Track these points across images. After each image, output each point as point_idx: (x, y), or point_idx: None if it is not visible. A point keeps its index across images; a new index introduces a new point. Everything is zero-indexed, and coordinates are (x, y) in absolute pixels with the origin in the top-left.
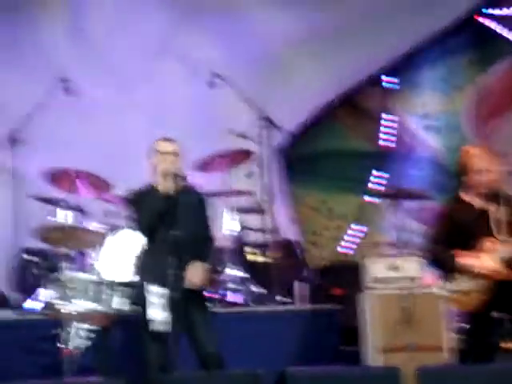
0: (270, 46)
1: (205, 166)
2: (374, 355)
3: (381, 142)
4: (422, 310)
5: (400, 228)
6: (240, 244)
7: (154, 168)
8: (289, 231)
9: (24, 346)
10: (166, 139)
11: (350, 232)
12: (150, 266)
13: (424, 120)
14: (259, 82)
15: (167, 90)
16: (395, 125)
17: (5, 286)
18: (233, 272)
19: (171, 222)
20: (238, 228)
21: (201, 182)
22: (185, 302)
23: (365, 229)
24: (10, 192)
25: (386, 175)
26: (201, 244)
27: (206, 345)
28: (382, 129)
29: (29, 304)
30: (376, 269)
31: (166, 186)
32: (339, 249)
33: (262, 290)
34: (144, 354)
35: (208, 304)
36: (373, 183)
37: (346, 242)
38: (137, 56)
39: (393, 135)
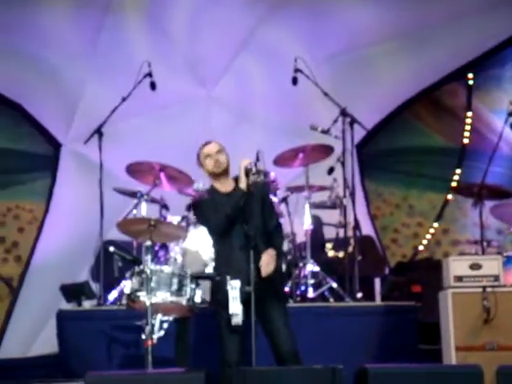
0: (351, 42)
1: (285, 161)
2: (454, 353)
3: (463, 140)
4: (503, 308)
5: (482, 226)
6: (320, 240)
7: (208, 172)
8: (369, 227)
9: (107, 336)
10: (208, 142)
11: (430, 230)
12: (227, 262)
13: (507, 117)
14: (340, 79)
15: (250, 86)
16: (478, 122)
17: (90, 278)
18: (313, 268)
19: (242, 217)
20: (319, 224)
21: (282, 177)
22: (264, 297)
23: (446, 226)
24: (96, 185)
25: (468, 172)
26: (271, 232)
27: (283, 340)
28: (464, 126)
29: (113, 295)
30: (458, 267)
31: (246, 181)
32: (420, 246)
33: (342, 287)
34: (222, 347)
35: (286, 299)
36: (454, 180)
37: (427, 239)
38: (219, 51)
39: (475, 132)
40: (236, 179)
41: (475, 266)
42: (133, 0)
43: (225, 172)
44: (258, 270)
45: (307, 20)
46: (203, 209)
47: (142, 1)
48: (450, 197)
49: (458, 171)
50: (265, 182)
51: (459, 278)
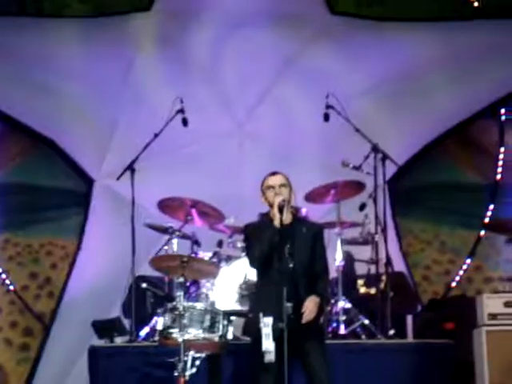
0: (384, 76)
1: (317, 197)
2: None
3: (496, 176)
4: None
5: None
6: (352, 276)
7: (267, 203)
8: (400, 264)
9: (140, 373)
10: (274, 173)
11: (463, 266)
12: (264, 298)
13: None
14: (370, 115)
15: (282, 120)
16: (511, 158)
17: (122, 314)
18: (345, 304)
19: (285, 253)
20: (350, 260)
21: (313, 213)
22: (301, 334)
23: (479, 263)
24: (129, 221)
25: (501, 209)
26: (317, 276)
27: (320, 377)
28: (497, 162)
29: (145, 331)
30: (492, 304)
31: (279, 218)
32: (452, 283)
33: (374, 324)
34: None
35: (323, 336)
36: (487, 217)
37: (459, 276)
38: (251, 85)
39: (508, 168)
40: (296, 218)
41: (510, 304)
42: (162, 37)
43: (286, 207)
44: (295, 307)
45: (343, 52)
46: (250, 236)
47: (170, 38)
48: (482, 233)
49: (491, 207)
50: (321, 225)
51: (493, 316)
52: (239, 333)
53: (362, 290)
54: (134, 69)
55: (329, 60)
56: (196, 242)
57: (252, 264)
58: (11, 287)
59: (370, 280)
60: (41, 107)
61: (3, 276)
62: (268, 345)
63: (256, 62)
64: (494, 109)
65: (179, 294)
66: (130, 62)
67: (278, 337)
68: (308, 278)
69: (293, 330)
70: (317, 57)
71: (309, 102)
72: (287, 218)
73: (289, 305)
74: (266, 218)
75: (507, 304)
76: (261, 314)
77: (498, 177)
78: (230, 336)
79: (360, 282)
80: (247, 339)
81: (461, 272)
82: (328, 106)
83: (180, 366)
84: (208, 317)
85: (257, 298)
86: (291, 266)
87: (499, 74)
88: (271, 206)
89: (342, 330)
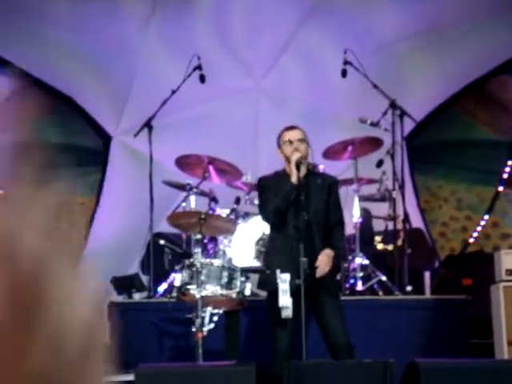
0: (400, 33)
1: (334, 153)
2: (506, 348)
3: None
4: None
5: None
6: (369, 233)
7: (284, 157)
8: (418, 220)
9: (157, 329)
10: (293, 127)
11: (481, 223)
12: (280, 253)
13: None
14: (389, 70)
15: (299, 79)
16: None
17: (140, 270)
18: (362, 261)
19: (302, 207)
20: (368, 216)
21: (331, 170)
22: (316, 289)
23: (496, 220)
24: (146, 178)
25: None
26: (332, 228)
27: (336, 333)
28: None
29: (163, 288)
30: (510, 260)
31: (297, 174)
32: (469, 240)
33: (392, 280)
34: (272, 340)
35: (339, 293)
36: (506, 172)
37: (477, 232)
38: (269, 43)
39: None
40: (310, 170)
41: None
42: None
43: (303, 162)
44: (311, 262)
45: (356, 9)
46: (265, 191)
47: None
48: (500, 189)
49: (510, 163)
50: (335, 177)
51: (511, 272)
52: (256, 289)
53: (380, 246)
54: (152, 24)
55: (348, 13)
56: (213, 199)
57: (266, 219)
58: None
59: (388, 236)
60: (58, 65)
61: None
62: (285, 300)
63: (272, 24)
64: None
65: (197, 250)
66: (147, 17)
67: (294, 293)
68: (324, 232)
69: (309, 285)
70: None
71: (324, 62)
72: (302, 172)
73: (305, 260)
74: (281, 171)
75: None
76: (278, 271)
77: None
78: (247, 292)
79: (377, 238)
80: (263, 294)
81: (478, 228)
82: (346, 62)
83: (198, 321)
84: (225, 273)
85: (272, 253)
86: (306, 218)
87: None
88: (287, 160)
89: (360, 287)
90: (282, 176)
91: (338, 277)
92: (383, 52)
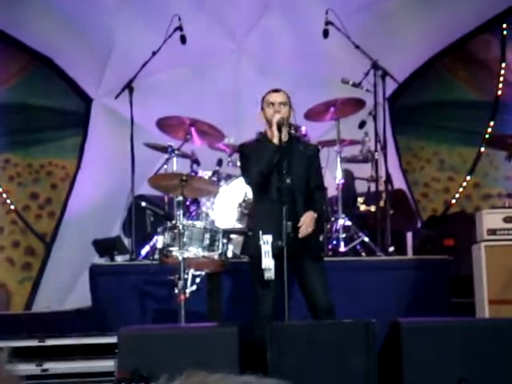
0: None
1: (317, 115)
2: (487, 307)
3: (497, 92)
4: None
5: None
6: (352, 194)
7: (265, 119)
8: (400, 181)
9: (140, 291)
10: (276, 90)
11: (463, 184)
12: (263, 216)
13: None
14: (371, 31)
15: (279, 40)
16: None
17: (122, 233)
18: (344, 222)
19: (284, 171)
20: (350, 178)
21: (313, 131)
22: (298, 252)
23: (477, 180)
24: (127, 140)
25: (501, 125)
26: (313, 192)
27: (319, 295)
28: (498, 78)
29: (145, 250)
30: (491, 220)
31: (278, 136)
32: (451, 200)
33: (374, 241)
34: (254, 301)
35: (322, 254)
36: (487, 133)
37: (458, 193)
38: (249, 4)
39: (509, 85)
40: (292, 136)
41: (508, 219)
42: None
43: (285, 125)
44: (294, 225)
45: None
46: (248, 156)
47: None
48: (482, 150)
49: (491, 124)
50: (316, 145)
51: (492, 231)
52: (239, 251)
53: (362, 207)
54: None
55: None
56: (195, 161)
57: (250, 183)
58: (12, 207)
59: (370, 198)
60: (37, 26)
61: (4, 196)
62: (268, 262)
63: None
64: (494, 24)
65: (179, 212)
66: None
67: (277, 254)
68: (306, 196)
69: (292, 247)
70: None
71: (304, 22)
72: (284, 136)
73: (289, 223)
74: (262, 136)
75: (506, 219)
76: (260, 232)
77: (499, 93)
78: (229, 254)
79: (360, 199)
80: (246, 258)
81: (460, 189)
82: (327, 22)
83: (180, 283)
84: (208, 235)
85: (255, 216)
86: (288, 181)
87: None
88: (269, 122)
89: (342, 248)
90: (262, 140)
91: (321, 238)
92: (367, 11)
